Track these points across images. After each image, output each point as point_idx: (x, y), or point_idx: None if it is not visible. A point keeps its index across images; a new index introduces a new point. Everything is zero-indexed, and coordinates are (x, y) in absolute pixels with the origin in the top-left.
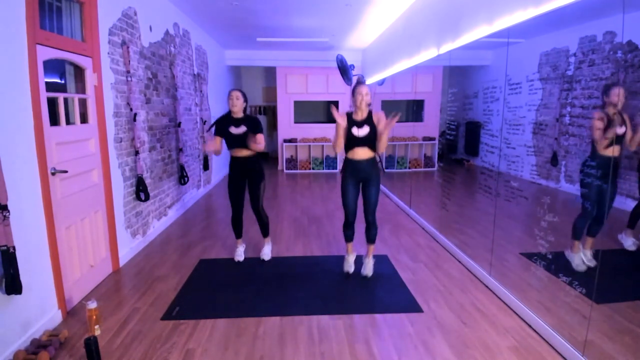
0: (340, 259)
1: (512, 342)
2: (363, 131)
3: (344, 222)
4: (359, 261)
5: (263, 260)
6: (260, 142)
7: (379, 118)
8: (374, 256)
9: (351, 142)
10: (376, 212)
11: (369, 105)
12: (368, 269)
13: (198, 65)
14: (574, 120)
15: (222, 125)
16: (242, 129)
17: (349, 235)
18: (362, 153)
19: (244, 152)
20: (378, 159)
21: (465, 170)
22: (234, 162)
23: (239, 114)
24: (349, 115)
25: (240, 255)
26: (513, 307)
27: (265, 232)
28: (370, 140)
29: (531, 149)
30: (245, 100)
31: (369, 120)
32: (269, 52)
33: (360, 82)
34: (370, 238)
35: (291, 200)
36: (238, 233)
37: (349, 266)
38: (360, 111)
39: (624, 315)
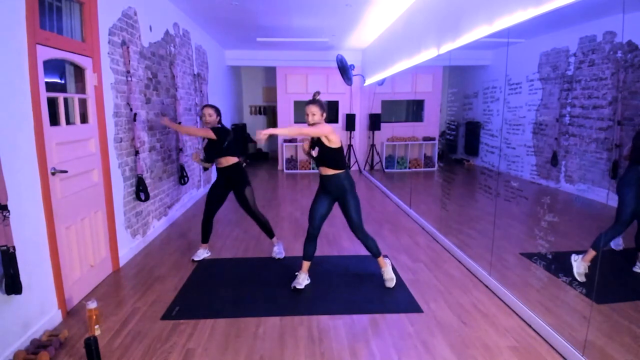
0: (342, 259)
1: (512, 342)
2: (315, 152)
3: (306, 235)
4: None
5: (278, 259)
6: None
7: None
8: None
9: (315, 161)
10: (363, 227)
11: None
12: (389, 280)
13: (198, 65)
14: (574, 120)
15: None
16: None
17: (308, 252)
18: (324, 170)
19: (222, 163)
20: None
21: (465, 170)
22: (218, 171)
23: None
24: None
25: (199, 256)
26: (513, 307)
27: (269, 234)
28: (324, 160)
29: (531, 149)
30: (219, 115)
31: (318, 140)
32: (269, 52)
33: (311, 99)
34: (371, 252)
35: (291, 200)
36: (205, 237)
37: (298, 284)
38: None
39: (624, 315)
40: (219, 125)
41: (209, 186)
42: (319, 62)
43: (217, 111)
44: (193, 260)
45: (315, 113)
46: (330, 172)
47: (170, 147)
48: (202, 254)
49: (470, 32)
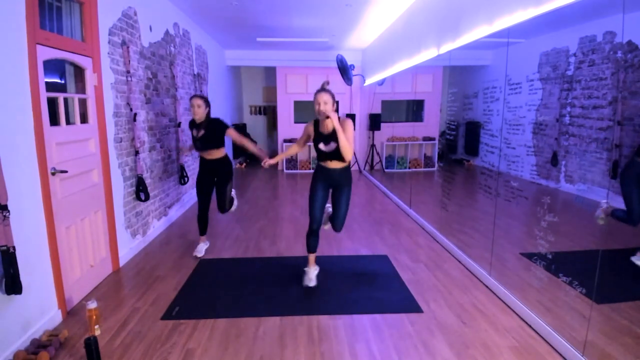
0: (341, 259)
1: (512, 342)
2: (329, 147)
3: (308, 229)
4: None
5: (196, 256)
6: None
7: (344, 126)
8: (375, 256)
9: (320, 154)
10: (344, 222)
11: (327, 115)
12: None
13: (198, 65)
14: (574, 120)
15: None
16: (201, 132)
17: (312, 245)
18: (333, 164)
19: (209, 155)
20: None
21: (465, 170)
22: (202, 163)
23: (201, 119)
24: (316, 125)
25: (200, 251)
26: (513, 307)
27: (203, 231)
28: (340, 154)
29: (531, 149)
30: (208, 106)
31: (334, 135)
32: (269, 52)
33: (322, 88)
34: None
35: (291, 200)
36: (203, 229)
37: (309, 280)
38: (325, 123)
39: (624, 315)
40: (216, 118)
41: None
42: (319, 62)
43: (207, 102)
44: (196, 257)
45: (327, 102)
46: (341, 165)
47: (170, 147)
48: (203, 247)
49: (470, 32)
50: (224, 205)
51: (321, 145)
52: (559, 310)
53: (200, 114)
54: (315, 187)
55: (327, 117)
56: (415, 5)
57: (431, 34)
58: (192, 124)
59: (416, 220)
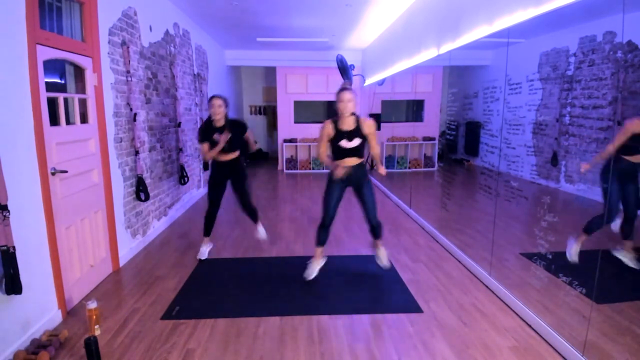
0: (341, 259)
1: (512, 342)
2: (353, 144)
3: (320, 223)
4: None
5: (260, 239)
6: (251, 142)
7: (369, 128)
8: (375, 256)
9: (339, 152)
10: (377, 212)
11: (353, 113)
12: (385, 260)
13: (198, 65)
14: (574, 120)
15: (207, 133)
16: (227, 135)
17: (322, 238)
18: (350, 161)
19: (226, 157)
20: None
21: (465, 170)
22: (217, 164)
23: (221, 121)
24: (335, 124)
25: (204, 254)
26: (513, 307)
27: (255, 219)
28: (360, 150)
29: (531, 149)
30: (227, 106)
31: (357, 131)
32: (269, 52)
33: (344, 87)
34: (377, 235)
35: (291, 200)
36: (208, 231)
37: (311, 273)
38: (346, 120)
39: (624, 315)
40: (237, 119)
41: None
42: (319, 62)
43: (226, 102)
44: (200, 260)
45: (351, 100)
46: (358, 161)
47: (170, 147)
48: (206, 250)
49: (470, 32)
50: (248, 201)
51: (344, 143)
52: (559, 310)
53: (221, 114)
54: (332, 185)
55: (352, 114)
56: (415, 5)
57: (431, 34)
58: (211, 128)
59: (416, 220)
